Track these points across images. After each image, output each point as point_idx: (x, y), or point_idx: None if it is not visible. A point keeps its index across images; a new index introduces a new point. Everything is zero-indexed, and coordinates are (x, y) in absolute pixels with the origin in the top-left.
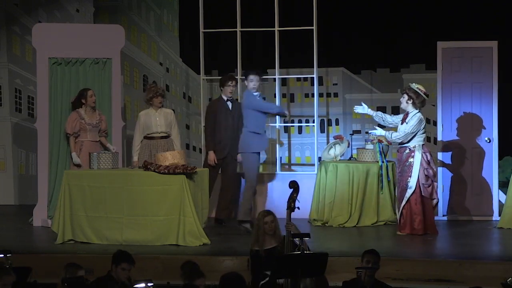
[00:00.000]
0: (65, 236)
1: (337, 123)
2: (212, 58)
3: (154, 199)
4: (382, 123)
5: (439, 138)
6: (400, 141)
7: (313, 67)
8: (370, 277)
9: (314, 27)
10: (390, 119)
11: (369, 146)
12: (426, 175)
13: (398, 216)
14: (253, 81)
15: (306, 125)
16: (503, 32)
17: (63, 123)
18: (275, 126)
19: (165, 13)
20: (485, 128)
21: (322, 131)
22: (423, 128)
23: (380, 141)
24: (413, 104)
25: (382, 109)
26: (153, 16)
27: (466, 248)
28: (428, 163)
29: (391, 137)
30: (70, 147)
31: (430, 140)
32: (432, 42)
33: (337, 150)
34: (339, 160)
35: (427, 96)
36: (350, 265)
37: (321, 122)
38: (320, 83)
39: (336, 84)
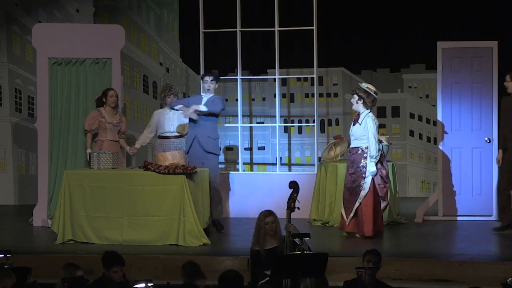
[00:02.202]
0: (65, 236)
1: (337, 123)
2: (212, 58)
3: (154, 199)
4: None
5: (439, 138)
6: (376, 150)
7: (313, 67)
8: (371, 277)
9: (314, 27)
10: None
11: None
12: (380, 176)
13: (348, 217)
14: (206, 83)
15: (306, 125)
16: (503, 32)
17: (63, 123)
18: (275, 126)
19: (165, 13)
20: (485, 128)
21: (322, 131)
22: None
23: (380, 141)
24: (364, 104)
25: (382, 109)
26: (153, 16)
27: (466, 248)
28: (381, 163)
29: (373, 159)
30: (87, 143)
31: (430, 140)
32: (432, 42)
33: (337, 150)
34: (339, 160)
35: (376, 94)
36: (350, 265)
37: (321, 122)
38: (320, 83)
39: (336, 84)
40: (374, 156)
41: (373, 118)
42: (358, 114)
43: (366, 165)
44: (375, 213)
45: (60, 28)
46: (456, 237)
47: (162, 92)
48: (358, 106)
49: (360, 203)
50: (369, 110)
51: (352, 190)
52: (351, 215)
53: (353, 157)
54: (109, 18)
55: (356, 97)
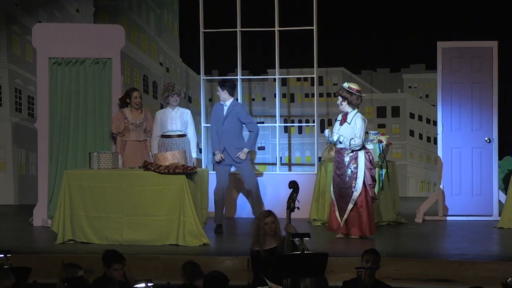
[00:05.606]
0: (65, 236)
1: None
2: (212, 58)
3: (154, 199)
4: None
5: (439, 138)
6: (358, 148)
7: (313, 67)
8: (370, 276)
9: (314, 27)
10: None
11: (369, 146)
12: (371, 176)
13: (342, 219)
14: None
15: (306, 125)
16: (503, 32)
17: (63, 123)
18: (275, 126)
19: (165, 13)
20: (485, 128)
21: (322, 131)
22: (366, 128)
23: (380, 141)
24: (349, 104)
25: (382, 109)
26: (153, 16)
27: (466, 248)
28: (371, 162)
29: (349, 146)
30: (117, 147)
31: (430, 140)
32: (432, 42)
33: None
34: None
35: (360, 93)
36: (350, 265)
37: (321, 122)
38: (320, 83)
39: (336, 84)
40: (351, 145)
41: (363, 117)
42: (346, 114)
43: (357, 166)
44: (371, 213)
45: (60, 28)
46: (456, 237)
47: (165, 92)
48: (344, 107)
49: (355, 205)
50: (356, 110)
51: (343, 191)
52: (345, 216)
53: (342, 157)
54: (109, 18)
55: (340, 98)
